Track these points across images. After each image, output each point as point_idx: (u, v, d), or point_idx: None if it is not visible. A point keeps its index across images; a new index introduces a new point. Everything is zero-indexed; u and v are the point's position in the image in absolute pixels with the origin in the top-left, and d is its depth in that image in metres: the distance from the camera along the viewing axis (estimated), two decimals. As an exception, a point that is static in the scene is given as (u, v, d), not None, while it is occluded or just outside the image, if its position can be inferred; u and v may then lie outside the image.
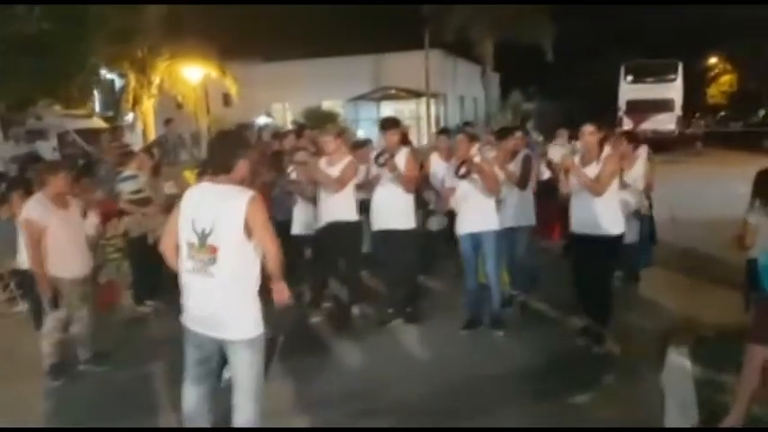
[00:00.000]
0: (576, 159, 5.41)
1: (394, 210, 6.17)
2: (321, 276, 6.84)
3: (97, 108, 27.14)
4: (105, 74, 23.42)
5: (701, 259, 8.01)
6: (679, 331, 5.62)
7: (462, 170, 5.75)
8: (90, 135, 17.20)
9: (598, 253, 5.25)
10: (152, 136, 21.86)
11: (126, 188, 7.07)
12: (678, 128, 27.72)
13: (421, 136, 29.60)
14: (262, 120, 26.34)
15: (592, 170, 5.22)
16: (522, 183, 6.44)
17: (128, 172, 7.22)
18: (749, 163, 7.15)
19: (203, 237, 3.46)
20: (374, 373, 5.27)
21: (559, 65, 34.89)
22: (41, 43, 12.78)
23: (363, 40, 31.63)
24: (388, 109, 33.20)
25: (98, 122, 18.78)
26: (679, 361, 4.88)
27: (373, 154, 7.10)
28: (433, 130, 29.08)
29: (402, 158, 6.15)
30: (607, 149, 5.36)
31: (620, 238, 5.32)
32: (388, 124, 6.35)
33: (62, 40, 13.12)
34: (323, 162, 6.39)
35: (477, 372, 5.14)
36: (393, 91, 31.84)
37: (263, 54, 34.45)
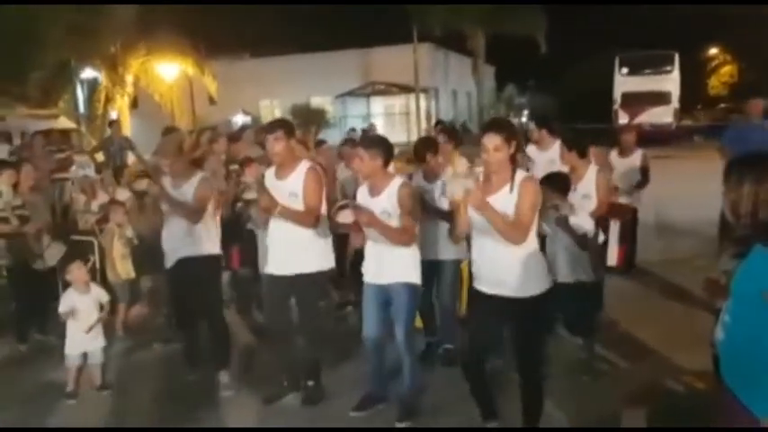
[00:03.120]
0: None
1: (292, 248, 4.40)
2: (187, 330, 5.13)
3: (81, 108, 26.38)
4: (81, 72, 22.70)
5: (685, 289, 6.44)
6: (640, 398, 4.42)
7: (342, 216, 4.12)
8: (57, 136, 16.44)
9: (521, 320, 3.55)
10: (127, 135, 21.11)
11: None
12: (676, 121, 26.83)
13: (411, 132, 28.80)
14: (239, 118, 25.51)
15: (502, 201, 3.44)
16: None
17: None
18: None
19: None
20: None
21: (554, 57, 34.17)
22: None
23: (352, 34, 30.97)
24: (377, 104, 32.54)
25: (65, 123, 17.92)
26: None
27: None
28: (424, 125, 28.35)
29: (298, 180, 4.36)
30: (522, 173, 3.56)
31: (545, 297, 3.58)
32: (273, 127, 4.45)
33: (8, 37, 12.29)
34: (167, 182, 4.79)
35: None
36: (383, 86, 31.05)
37: (250, 50, 33.79)
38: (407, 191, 4.13)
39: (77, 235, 7.53)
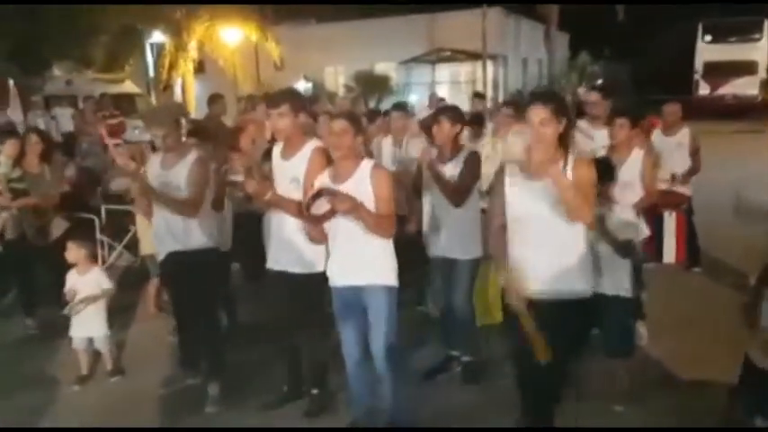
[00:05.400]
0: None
1: (288, 243, 3.90)
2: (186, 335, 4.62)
3: (151, 73, 26.73)
4: (150, 37, 22.95)
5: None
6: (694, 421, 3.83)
7: (317, 207, 3.41)
8: (121, 100, 16.66)
9: (565, 325, 3.05)
10: (191, 101, 21.24)
11: None
12: (762, 93, 25.13)
13: (477, 101, 27.93)
14: (301, 85, 25.27)
15: (554, 190, 2.95)
16: (456, 195, 4.17)
17: None
18: None
19: None
20: None
21: (632, 24, 32.54)
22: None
23: (419, -1, 30.12)
24: (443, 72, 31.66)
25: (130, 87, 18.17)
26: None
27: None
28: (491, 94, 27.47)
29: (301, 163, 3.83)
30: (573, 155, 3.04)
31: (591, 299, 3.14)
32: (277, 101, 3.84)
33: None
34: (154, 162, 4.30)
35: None
36: (449, 53, 30.12)
37: (316, 15, 33.41)
38: (384, 174, 3.55)
39: (129, 203, 7.44)
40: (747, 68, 24.65)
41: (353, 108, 8.20)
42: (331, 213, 3.38)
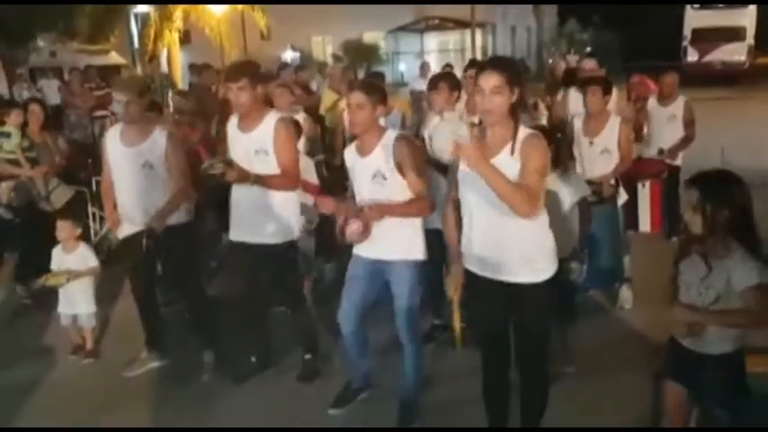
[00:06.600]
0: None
1: (266, 213, 3.89)
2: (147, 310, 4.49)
3: (136, 44, 26.36)
4: (134, 7, 22.64)
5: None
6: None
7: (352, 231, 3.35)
8: (107, 72, 16.49)
9: (527, 311, 2.98)
10: (177, 71, 21.02)
11: None
12: (749, 59, 25.13)
13: (465, 69, 27.72)
14: (288, 54, 25.02)
15: (502, 167, 2.70)
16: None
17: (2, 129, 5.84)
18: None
19: None
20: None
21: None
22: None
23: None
24: (431, 40, 31.44)
25: (115, 58, 17.96)
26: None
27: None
28: (480, 62, 27.26)
29: (266, 135, 3.79)
30: (525, 130, 2.81)
31: (553, 283, 2.96)
32: (236, 74, 3.77)
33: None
34: (113, 135, 4.15)
35: None
36: (437, 21, 29.87)
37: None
38: (407, 144, 3.37)
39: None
40: (735, 34, 24.57)
41: (343, 77, 8.11)
42: (366, 234, 3.35)
